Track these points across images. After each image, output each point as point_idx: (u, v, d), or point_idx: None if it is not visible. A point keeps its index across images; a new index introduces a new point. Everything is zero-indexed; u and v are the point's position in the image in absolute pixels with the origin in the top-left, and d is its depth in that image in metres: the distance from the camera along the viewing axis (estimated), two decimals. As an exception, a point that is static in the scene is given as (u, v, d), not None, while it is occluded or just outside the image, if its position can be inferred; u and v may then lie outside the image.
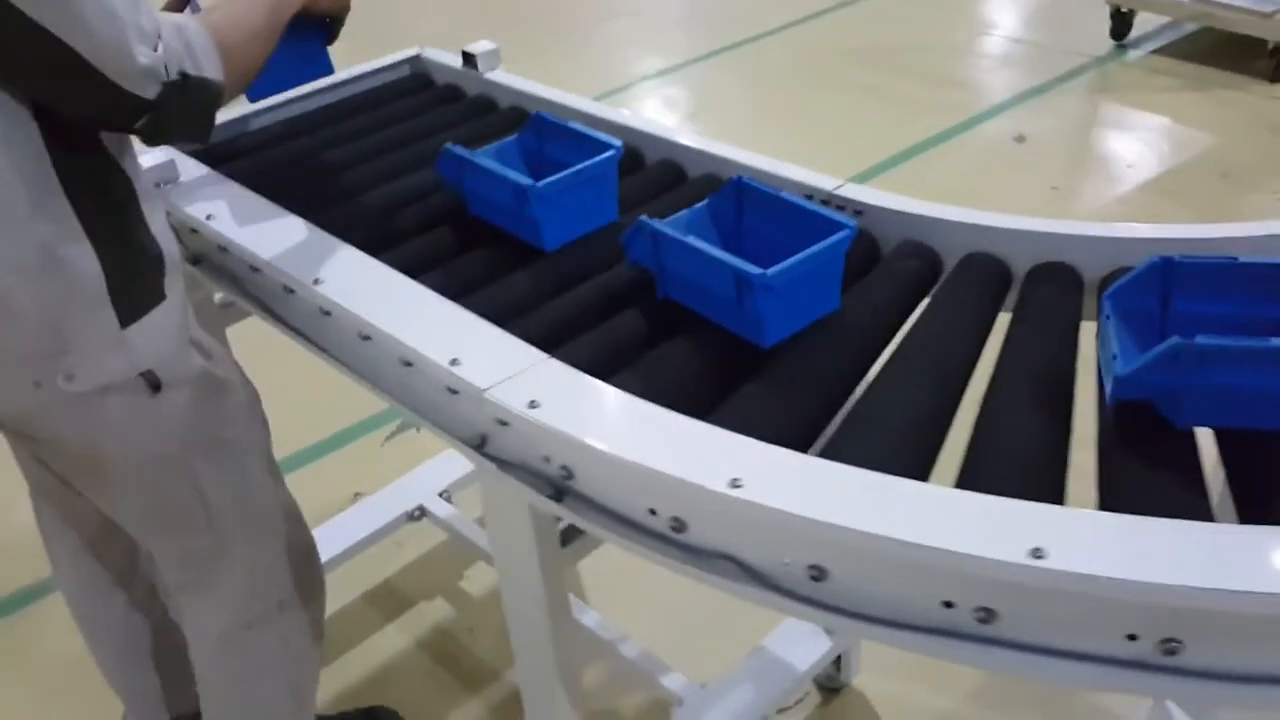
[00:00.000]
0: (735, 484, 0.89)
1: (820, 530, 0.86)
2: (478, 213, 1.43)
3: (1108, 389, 0.98)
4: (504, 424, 1.08)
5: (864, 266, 1.30)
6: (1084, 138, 3.64)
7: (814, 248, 1.11)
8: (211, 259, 1.49)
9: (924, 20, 4.63)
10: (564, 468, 1.04)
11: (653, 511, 0.98)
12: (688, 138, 1.52)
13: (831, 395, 1.10)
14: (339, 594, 2.02)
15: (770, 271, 1.07)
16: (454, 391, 1.13)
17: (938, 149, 3.52)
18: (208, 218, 1.38)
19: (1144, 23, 4.17)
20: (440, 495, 2.04)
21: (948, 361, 1.09)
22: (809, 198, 1.37)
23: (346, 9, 1.40)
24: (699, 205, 1.26)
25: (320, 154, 1.62)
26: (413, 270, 1.28)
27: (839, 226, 1.13)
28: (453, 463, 2.08)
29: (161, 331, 1.17)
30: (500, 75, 1.76)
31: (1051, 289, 1.19)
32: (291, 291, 1.32)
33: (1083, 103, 3.83)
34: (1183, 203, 3.14)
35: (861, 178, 3.34)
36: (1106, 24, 4.15)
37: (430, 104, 1.77)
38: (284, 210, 1.41)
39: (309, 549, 1.47)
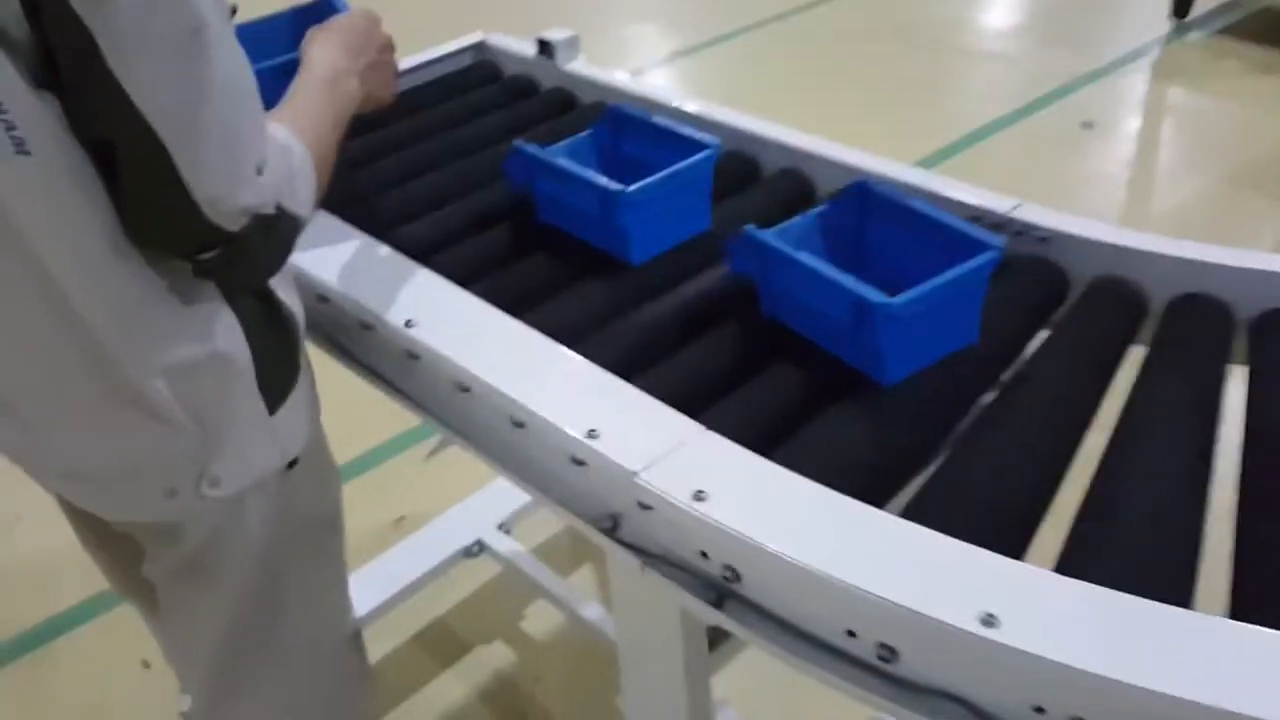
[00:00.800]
0: (989, 621, 0.70)
1: (1103, 686, 0.67)
2: (549, 219, 1.25)
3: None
4: (647, 507, 0.89)
5: (1048, 306, 1.11)
6: (1154, 124, 3.43)
7: (950, 273, 0.93)
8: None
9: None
10: (729, 568, 0.85)
11: (852, 634, 0.79)
12: (813, 142, 1.32)
13: (1039, 485, 0.91)
14: (387, 637, 1.83)
15: (896, 300, 0.90)
16: (580, 463, 0.94)
17: (1001, 134, 3.32)
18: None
19: (1204, 1, 3.96)
20: (499, 528, 1.85)
21: (1184, 444, 0.90)
22: (976, 220, 1.17)
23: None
24: (813, 212, 1.09)
25: (379, 160, 1.42)
26: (502, 304, 1.09)
27: (983, 247, 0.96)
28: (507, 490, 1.89)
29: (302, 407, 0.98)
30: (580, 66, 1.55)
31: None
32: (370, 328, 1.12)
33: (1149, 87, 3.62)
34: (1267, 197, 2.95)
35: (925, 163, 3.15)
36: (1164, 2, 3.94)
37: (500, 99, 1.56)
38: (352, 228, 1.21)
39: (364, 675, 1.22)
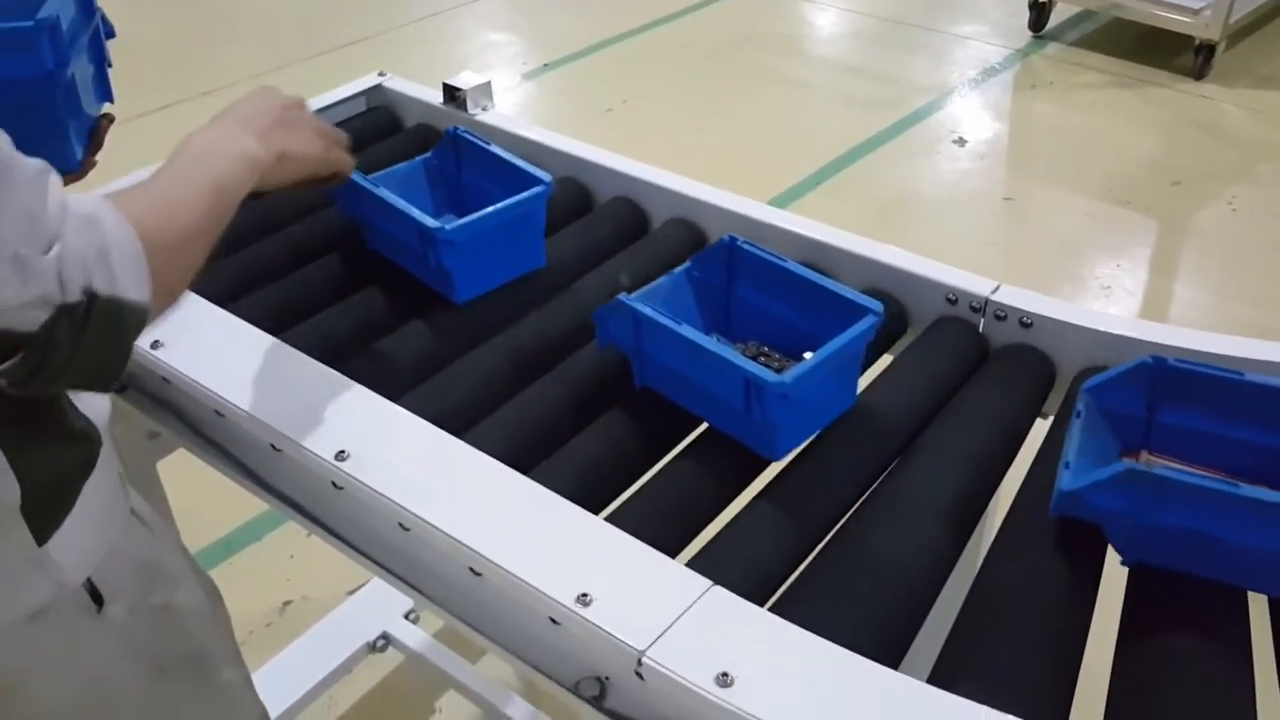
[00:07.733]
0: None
1: None
2: (376, 247, 1.20)
3: (1053, 499, 0.83)
4: (640, 675, 0.76)
5: (1036, 399, 1.03)
6: (1024, 141, 3.47)
7: (835, 342, 0.91)
8: (144, 386, 1.10)
9: (824, 5, 4.40)
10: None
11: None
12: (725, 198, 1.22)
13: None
14: (284, 744, 1.64)
15: (788, 378, 0.88)
16: (556, 622, 0.80)
17: (880, 151, 3.29)
18: (153, 346, 1.00)
19: (1058, 12, 4.04)
20: (406, 616, 1.68)
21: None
22: (952, 301, 1.09)
23: (338, 178, 1.03)
24: (679, 270, 1.04)
25: (266, 235, 1.24)
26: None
27: (862, 311, 0.94)
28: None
29: (93, 522, 0.81)
30: (493, 117, 1.40)
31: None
32: (280, 450, 0.95)
33: (1015, 101, 3.67)
34: (1141, 213, 3.01)
35: (810, 183, 3.10)
36: (1017, 13, 4.02)
37: (403, 154, 1.38)
38: (252, 327, 1.03)
39: None
